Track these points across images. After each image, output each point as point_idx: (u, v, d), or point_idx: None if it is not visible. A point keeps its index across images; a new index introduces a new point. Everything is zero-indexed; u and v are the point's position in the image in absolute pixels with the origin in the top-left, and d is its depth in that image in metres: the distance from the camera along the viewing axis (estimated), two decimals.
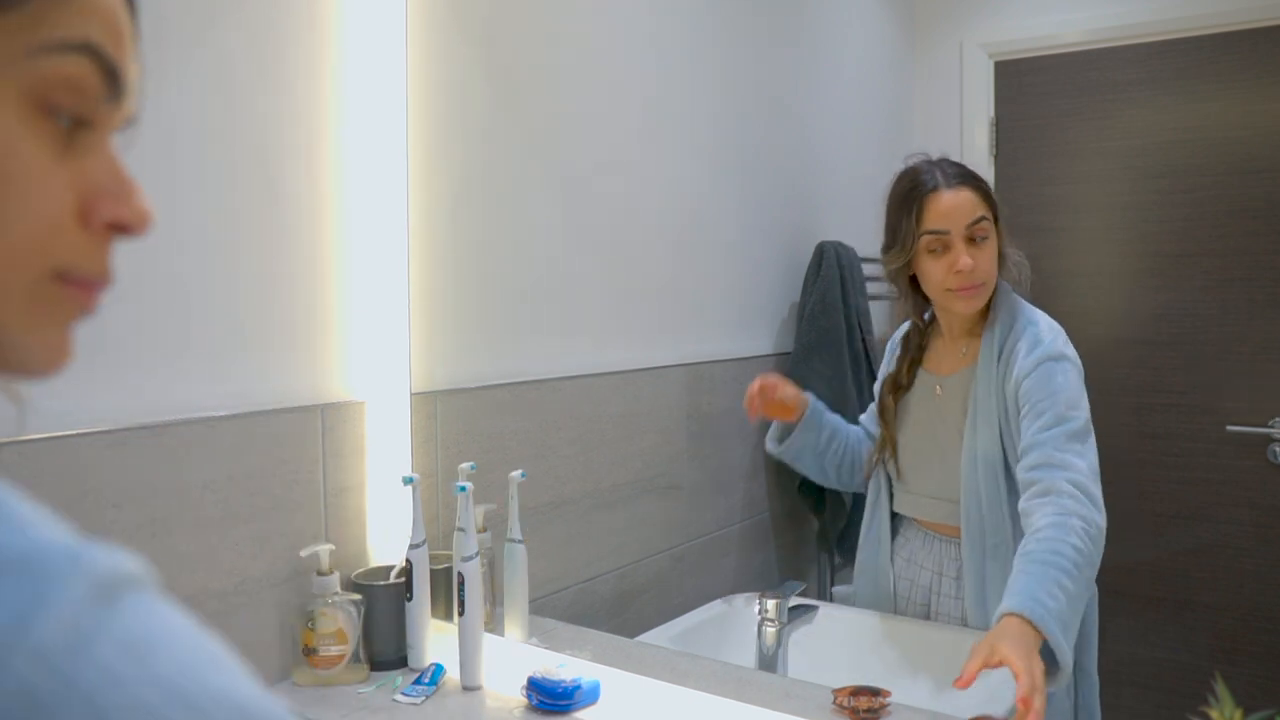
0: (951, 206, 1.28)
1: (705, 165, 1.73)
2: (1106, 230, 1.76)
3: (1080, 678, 1.33)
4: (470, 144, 1.45)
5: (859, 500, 1.52)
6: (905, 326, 1.45)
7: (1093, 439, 1.23)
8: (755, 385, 1.42)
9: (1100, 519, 1.18)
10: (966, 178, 1.31)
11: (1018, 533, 1.27)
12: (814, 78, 1.95)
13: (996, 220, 1.31)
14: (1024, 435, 1.23)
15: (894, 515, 1.44)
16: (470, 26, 1.45)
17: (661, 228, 1.64)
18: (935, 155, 1.35)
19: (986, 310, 1.33)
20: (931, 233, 1.28)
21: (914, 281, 1.37)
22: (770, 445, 1.53)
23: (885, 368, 1.46)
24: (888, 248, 1.36)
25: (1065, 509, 1.16)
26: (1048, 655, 1.07)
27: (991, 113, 1.81)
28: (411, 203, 1.36)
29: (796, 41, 1.92)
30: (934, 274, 1.30)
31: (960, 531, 1.31)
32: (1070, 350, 1.27)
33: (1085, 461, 1.20)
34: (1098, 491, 1.20)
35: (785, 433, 1.50)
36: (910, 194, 1.31)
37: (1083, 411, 1.23)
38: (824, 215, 1.89)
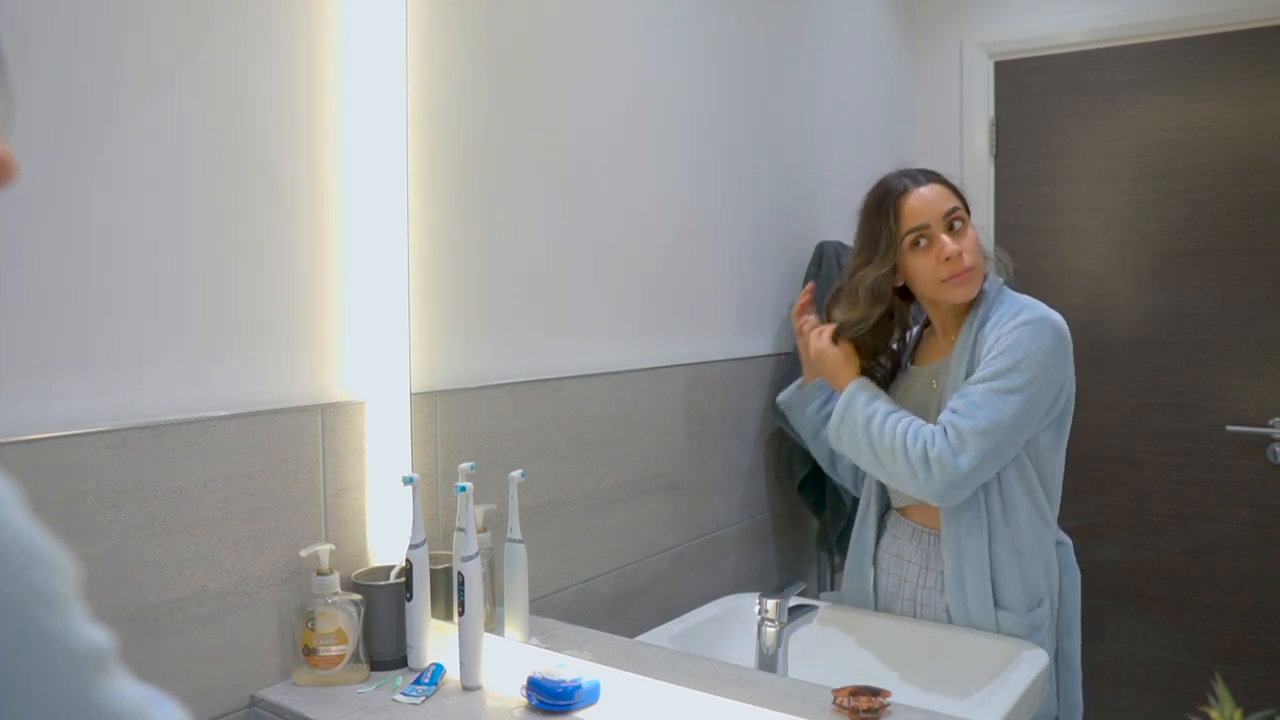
0: (925, 201, 1.33)
1: (705, 165, 1.73)
2: (1106, 230, 1.76)
3: (1062, 664, 1.35)
4: (470, 143, 1.45)
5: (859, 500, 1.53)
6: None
7: (1020, 400, 1.24)
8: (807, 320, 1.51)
9: (953, 459, 1.23)
10: (933, 176, 1.36)
11: (994, 517, 1.29)
12: (814, 77, 1.95)
13: (969, 212, 1.35)
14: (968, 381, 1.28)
15: (882, 516, 1.46)
16: (471, 26, 1.45)
17: (661, 227, 1.64)
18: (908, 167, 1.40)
19: (977, 302, 1.35)
20: (913, 230, 1.33)
21: (900, 293, 1.40)
22: (779, 396, 1.63)
23: None
24: (867, 260, 1.37)
25: (923, 425, 1.27)
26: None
27: (991, 113, 1.81)
28: (411, 202, 1.36)
29: (797, 41, 1.91)
30: (924, 269, 1.33)
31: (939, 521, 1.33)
32: (1058, 320, 1.29)
33: (992, 413, 1.23)
34: (981, 443, 1.23)
35: (794, 390, 1.59)
36: (884, 201, 1.35)
37: (1027, 374, 1.24)
38: (824, 215, 1.89)
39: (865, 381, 1.37)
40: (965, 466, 1.22)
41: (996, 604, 1.29)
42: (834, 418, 1.37)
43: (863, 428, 1.32)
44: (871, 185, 1.39)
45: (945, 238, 1.31)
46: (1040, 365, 1.24)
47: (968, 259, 1.31)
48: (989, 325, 1.30)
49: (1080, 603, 1.38)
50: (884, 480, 1.35)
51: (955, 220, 1.32)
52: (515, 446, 1.44)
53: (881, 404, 1.33)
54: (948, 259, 1.30)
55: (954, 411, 1.26)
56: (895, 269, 1.35)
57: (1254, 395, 1.60)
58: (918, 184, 1.34)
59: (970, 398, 1.25)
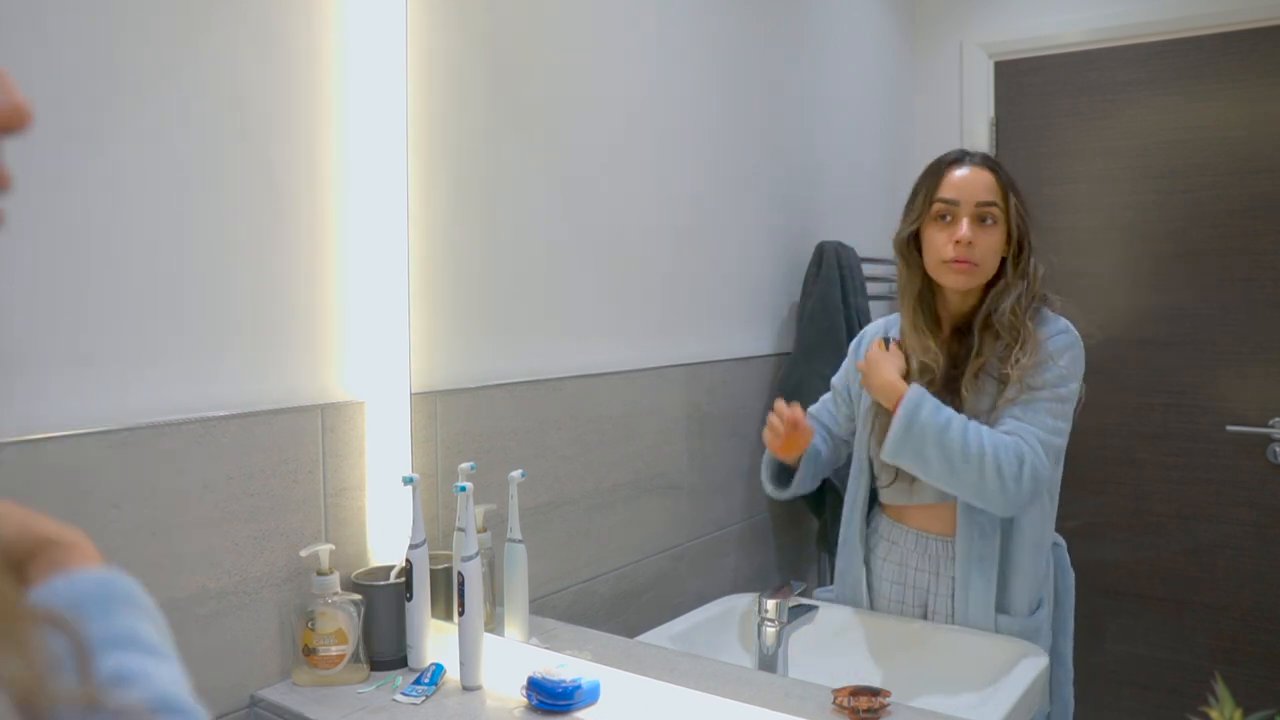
0: (966, 180, 1.32)
1: (705, 165, 1.73)
2: (1106, 230, 1.76)
3: (1054, 660, 1.36)
4: (470, 144, 1.45)
5: None
6: (880, 327, 1.46)
7: (1070, 409, 1.28)
8: (785, 421, 1.38)
9: (1044, 469, 1.24)
10: (993, 165, 1.34)
11: (1007, 521, 1.29)
12: (814, 78, 1.95)
13: (1010, 215, 1.32)
14: (1012, 390, 1.28)
15: (869, 517, 1.44)
16: (471, 26, 1.45)
17: (661, 228, 1.64)
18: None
19: (982, 302, 1.34)
20: (943, 200, 1.32)
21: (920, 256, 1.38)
22: (772, 489, 1.50)
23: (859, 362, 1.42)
24: (903, 219, 1.38)
25: (1008, 436, 1.25)
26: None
27: (991, 113, 1.81)
28: (411, 202, 1.36)
29: (796, 41, 1.91)
30: (935, 242, 1.33)
31: (954, 522, 1.32)
32: (1078, 335, 1.32)
33: (1054, 422, 1.26)
34: (1054, 451, 1.26)
35: (783, 473, 1.47)
36: (936, 166, 1.36)
37: (1072, 383, 1.28)
38: (824, 215, 1.89)
39: (922, 389, 1.29)
40: (1048, 474, 1.26)
41: (999, 609, 1.30)
42: (895, 428, 1.26)
43: (935, 437, 1.24)
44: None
45: (966, 222, 1.30)
46: (1074, 373, 1.29)
47: (975, 253, 1.30)
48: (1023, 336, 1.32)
49: (1075, 603, 1.39)
50: (950, 489, 1.27)
51: (987, 214, 1.31)
52: (515, 446, 1.44)
53: (951, 410, 1.27)
54: (957, 242, 1.30)
55: (1023, 420, 1.26)
56: (918, 233, 1.36)
57: (1254, 395, 1.60)
58: (971, 163, 1.34)
59: (1035, 408, 1.26)
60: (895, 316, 1.44)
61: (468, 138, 1.45)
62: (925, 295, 1.38)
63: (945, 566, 1.35)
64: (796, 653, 1.28)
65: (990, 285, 1.34)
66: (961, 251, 1.30)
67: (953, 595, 1.33)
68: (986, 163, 1.34)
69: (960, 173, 1.33)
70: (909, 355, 1.37)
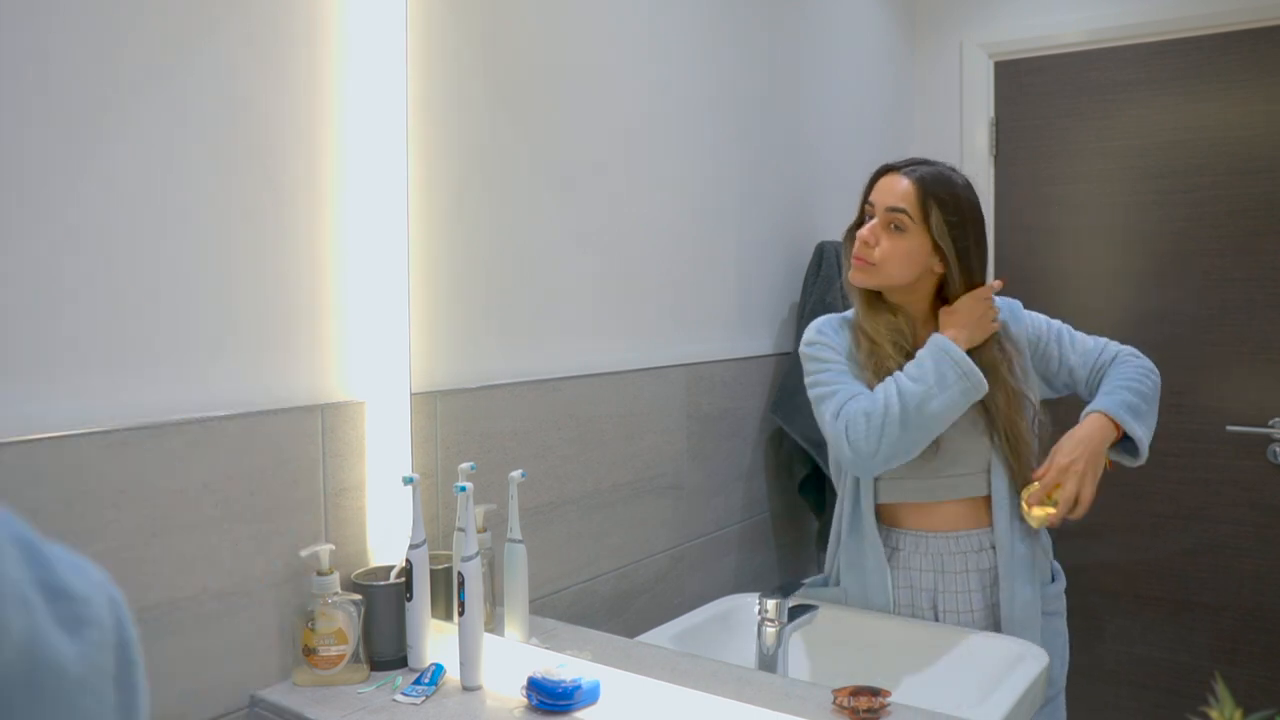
0: (885, 186, 1.35)
1: (705, 165, 1.73)
2: (1106, 230, 1.76)
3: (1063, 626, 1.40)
4: (470, 144, 1.45)
5: None
6: (834, 323, 1.43)
7: None
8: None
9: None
10: (922, 176, 1.32)
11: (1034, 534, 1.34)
12: (814, 77, 1.95)
13: (930, 228, 1.30)
14: (1069, 358, 1.39)
15: (878, 516, 1.39)
16: (470, 26, 1.45)
17: (661, 227, 1.64)
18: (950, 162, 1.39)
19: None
20: (866, 203, 1.37)
21: None
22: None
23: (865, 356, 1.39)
24: None
25: (1128, 361, 1.36)
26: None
27: (991, 113, 1.81)
28: (411, 202, 1.36)
29: (796, 41, 1.91)
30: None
31: (989, 517, 1.34)
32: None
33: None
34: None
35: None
36: (878, 170, 1.38)
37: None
38: (824, 215, 1.89)
39: (1109, 399, 1.35)
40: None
41: (1042, 582, 1.36)
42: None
43: (1142, 392, 1.35)
44: None
45: (875, 224, 1.33)
46: None
47: (875, 254, 1.32)
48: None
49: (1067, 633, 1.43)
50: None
51: (894, 220, 1.32)
52: (515, 446, 1.44)
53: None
54: (861, 240, 1.33)
55: (1106, 353, 1.39)
56: None
57: (1254, 395, 1.60)
58: (898, 172, 1.34)
59: (1081, 347, 1.39)
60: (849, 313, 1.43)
61: (468, 138, 1.45)
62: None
63: (949, 563, 1.35)
64: (796, 653, 1.29)
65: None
66: (860, 249, 1.34)
67: (980, 590, 1.34)
68: (918, 175, 1.32)
69: (886, 177, 1.35)
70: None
